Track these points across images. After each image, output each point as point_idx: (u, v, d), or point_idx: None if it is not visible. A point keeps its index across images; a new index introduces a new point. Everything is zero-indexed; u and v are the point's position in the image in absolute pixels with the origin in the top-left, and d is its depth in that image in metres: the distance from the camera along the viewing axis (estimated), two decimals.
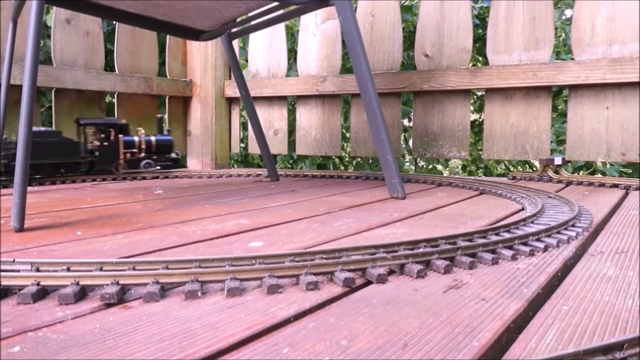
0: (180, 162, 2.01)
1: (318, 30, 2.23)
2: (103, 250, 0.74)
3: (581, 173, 2.38)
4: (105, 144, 1.87)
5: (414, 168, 3.56)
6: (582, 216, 0.92)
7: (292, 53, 2.45)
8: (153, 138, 2.00)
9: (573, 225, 0.84)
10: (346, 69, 2.25)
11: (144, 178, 1.94)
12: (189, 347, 0.40)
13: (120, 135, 1.89)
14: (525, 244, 0.71)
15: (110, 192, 1.50)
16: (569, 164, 2.27)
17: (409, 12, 2.83)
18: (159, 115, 2.01)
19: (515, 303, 0.49)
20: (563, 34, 2.98)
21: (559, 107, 2.71)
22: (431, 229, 0.89)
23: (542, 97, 1.80)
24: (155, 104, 2.33)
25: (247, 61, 2.45)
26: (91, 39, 2.03)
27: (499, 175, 3.00)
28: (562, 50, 2.82)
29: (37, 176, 1.75)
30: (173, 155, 2.05)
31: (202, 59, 2.40)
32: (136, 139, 1.95)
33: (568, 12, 3.13)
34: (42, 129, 1.78)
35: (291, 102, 2.54)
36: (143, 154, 1.96)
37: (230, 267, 0.56)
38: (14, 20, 1.40)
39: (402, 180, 1.32)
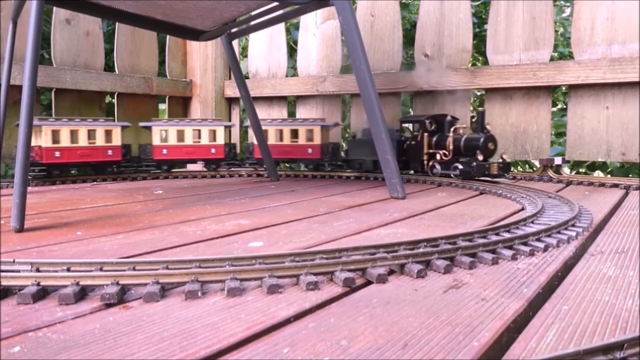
0: (508, 169, 1.54)
1: (318, 30, 2.23)
2: (103, 250, 0.74)
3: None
4: (412, 142, 1.71)
5: None
6: (582, 216, 0.92)
7: (289, 47, 2.44)
8: (452, 135, 1.61)
9: (573, 225, 0.84)
10: (346, 69, 2.25)
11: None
12: (189, 347, 0.40)
13: (426, 134, 1.67)
14: (525, 243, 0.71)
15: (110, 192, 1.50)
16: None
17: (405, 9, 2.83)
18: (481, 109, 1.56)
19: (516, 303, 0.49)
20: (562, 28, 2.99)
21: (558, 102, 2.72)
22: (431, 229, 0.89)
23: (542, 97, 1.80)
24: (156, 104, 2.34)
25: (246, 57, 2.45)
26: (91, 39, 2.03)
27: None
28: (561, 44, 2.83)
29: (356, 173, 1.87)
30: (500, 160, 1.54)
31: (202, 59, 2.40)
32: (450, 136, 1.60)
33: (567, 11, 3.15)
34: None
35: (291, 102, 2.54)
36: (450, 156, 1.60)
37: (230, 267, 0.56)
38: (14, 20, 1.40)
39: (402, 181, 1.32)
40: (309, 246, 0.75)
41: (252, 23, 1.70)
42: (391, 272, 0.60)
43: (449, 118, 1.63)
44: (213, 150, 1.97)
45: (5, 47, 1.40)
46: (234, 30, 1.77)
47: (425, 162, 1.68)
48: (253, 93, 2.23)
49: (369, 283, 0.57)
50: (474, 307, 0.49)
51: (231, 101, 2.50)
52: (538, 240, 0.73)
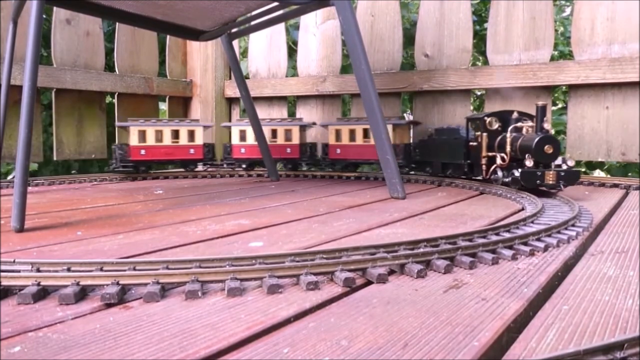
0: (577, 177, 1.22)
1: (318, 30, 2.23)
2: (103, 250, 0.74)
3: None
4: (474, 144, 1.44)
5: None
6: (582, 216, 0.92)
7: (289, 47, 2.44)
8: (510, 135, 1.30)
9: (573, 225, 0.84)
10: (346, 69, 2.25)
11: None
12: (190, 347, 0.40)
13: (485, 134, 1.37)
14: (525, 243, 0.71)
15: (111, 192, 1.50)
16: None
17: (404, 8, 2.84)
18: (541, 103, 1.24)
19: (516, 303, 0.49)
20: (562, 27, 3.00)
21: (558, 102, 2.72)
22: (431, 229, 0.89)
23: (542, 97, 1.80)
24: (156, 104, 2.34)
25: (246, 58, 2.45)
26: (91, 39, 2.03)
27: None
28: (561, 43, 2.83)
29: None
30: (567, 164, 1.22)
31: (202, 59, 2.40)
32: (508, 137, 1.30)
33: (567, 10, 3.15)
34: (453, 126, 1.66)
35: (291, 102, 2.54)
36: (508, 160, 1.31)
37: (230, 267, 0.56)
38: (14, 21, 1.40)
39: (402, 181, 1.32)
40: (309, 246, 0.75)
41: (252, 23, 1.70)
42: (391, 272, 0.60)
43: (515, 115, 1.33)
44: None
45: (5, 47, 1.40)
46: (234, 30, 1.77)
47: (484, 166, 1.38)
48: (253, 93, 2.22)
49: (369, 283, 0.57)
50: (474, 307, 0.49)
51: (231, 101, 2.50)
52: (538, 240, 0.74)
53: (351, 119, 1.93)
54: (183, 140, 1.93)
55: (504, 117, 1.37)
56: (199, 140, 1.95)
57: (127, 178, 1.89)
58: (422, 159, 1.77)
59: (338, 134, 1.91)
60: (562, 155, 1.23)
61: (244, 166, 2.01)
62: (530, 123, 1.30)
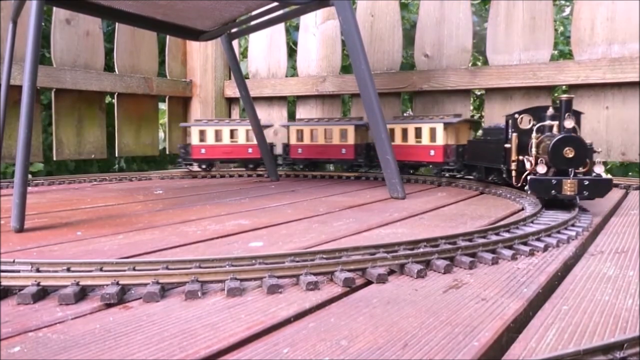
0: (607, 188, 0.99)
1: (318, 30, 2.23)
2: (103, 250, 0.74)
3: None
4: (508, 145, 1.18)
5: None
6: (582, 216, 0.92)
7: (289, 47, 2.44)
8: (536, 135, 1.06)
9: (573, 225, 0.84)
10: (346, 69, 2.25)
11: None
12: (189, 347, 0.40)
13: (515, 134, 1.13)
14: (525, 243, 0.71)
15: (110, 192, 1.50)
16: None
17: (404, 8, 2.84)
18: (565, 96, 1.04)
19: (516, 303, 0.49)
20: (561, 27, 3.00)
21: (557, 102, 2.73)
22: (431, 228, 0.89)
23: (542, 97, 1.80)
24: (156, 104, 2.33)
25: (246, 58, 2.45)
26: (91, 39, 2.03)
27: None
28: (561, 42, 2.83)
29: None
30: (597, 172, 0.99)
31: (202, 59, 2.40)
32: (532, 137, 1.06)
33: (567, 10, 3.16)
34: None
35: (291, 102, 2.54)
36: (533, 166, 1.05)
37: (230, 267, 0.56)
38: (14, 21, 1.39)
39: (402, 181, 1.32)
40: (309, 246, 0.75)
41: (252, 23, 1.70)
42: (391, 272, 0.60)
43: (550, 112, 1.08)
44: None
45: (5, 47, 1.40)
46: (234, 30, 1.77)
47: (514, 172, 1.14)
48: (253, 93, 2.22)
49: (369, 283, 0.57)
50: (474, 307, 0.49)
51: (231, 101, 2.50)
52: (538, 240, 0.74)
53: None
54: (241, 139, 1.97)
55: (538, 115, 1.13)
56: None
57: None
58: (469, 162, 1.58)
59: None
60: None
61: (203, 166, 2.02)
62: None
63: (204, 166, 2.01)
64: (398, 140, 1.80)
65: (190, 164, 2.02)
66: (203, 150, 1.97)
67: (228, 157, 2.00)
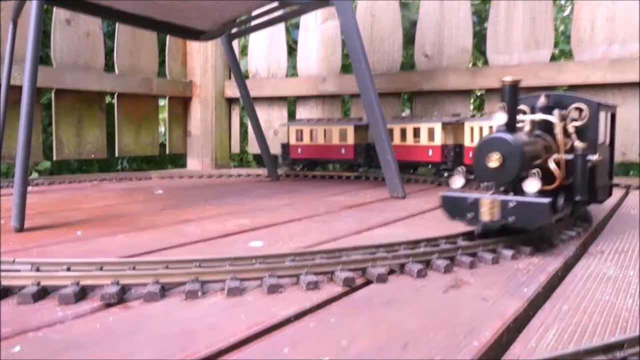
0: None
1: (318, 31, 2.23)
2: (103, 250, 0.74)
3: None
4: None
5: None
6: (582, 215, 0.92)
7: (289, 47, 2.44)
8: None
9: (573, 225, 0.84)
10: (346, 69, 2.25)
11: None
12: (190, 347, 0.40)
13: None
14: (525, 243, 0.71)
15: (111, 192, 1.50)
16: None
17: (404, 8, 2.84)
18: (508, 80, 0.75)
19: (516, 302, 0.49)
20: (562, 26, 3.00)
21: None
22: (431, 228, 0.89)
23: None
24: (156, 104, 2.33)
25: (246, 56, 2.45)
26: (91, 39, 2.03)
27: None
28: (561, 42, 2.84)
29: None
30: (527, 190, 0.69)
31: (202, 59, 2.40)
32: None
33: (567, 10, 3.16)
34: None
35: (291, 102, 2.54)
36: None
37: (230, 267, 0.56)
38: (14, 21, 1.40)
39: (402, 180, 1.32)
40: (309, 246, 0.75)
41: (252, 23, 1.70)
42: (391, 271, 0.60)
43: (542, 101, 0.85)
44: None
45: (5, 47, 1.40)
46: (234, 30, 1.77)
47: None
48: (253, 93, 2.22)
49: (369, 283, 0.57)
50: (474, 306, 0.49)
51: (231, 101, 2.50)
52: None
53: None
54: (335, 140, 1.92)
55: (531, 105, 0.88)
56: (350, 140, 1.89)
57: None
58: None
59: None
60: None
61: (299, 167, 2.01)
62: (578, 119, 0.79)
63: (300, 166, 1.98)
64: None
65: (289, 164, 2.01)
66: (299, 150, 1.97)
67: (322, 157, 1.96)
